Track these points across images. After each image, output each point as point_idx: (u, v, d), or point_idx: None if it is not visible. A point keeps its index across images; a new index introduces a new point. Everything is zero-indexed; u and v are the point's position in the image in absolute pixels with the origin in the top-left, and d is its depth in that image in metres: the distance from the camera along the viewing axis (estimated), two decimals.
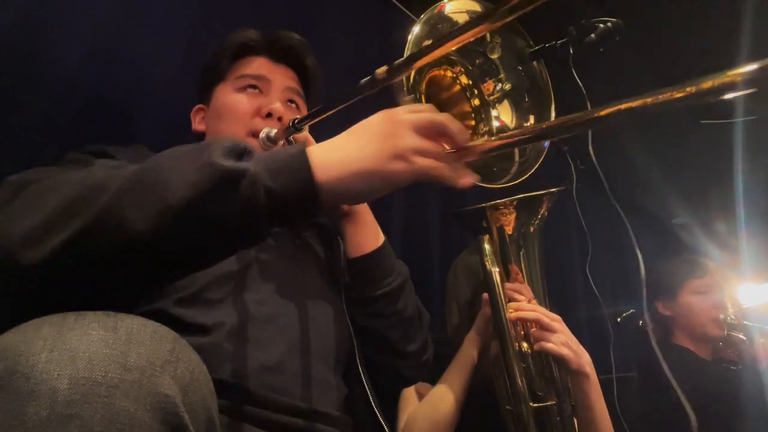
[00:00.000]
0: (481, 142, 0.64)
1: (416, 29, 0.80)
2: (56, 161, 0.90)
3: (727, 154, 2.31)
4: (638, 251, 1.05)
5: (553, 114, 0.94)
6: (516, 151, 0.91)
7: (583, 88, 1.00)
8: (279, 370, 0.76)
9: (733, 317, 1.78)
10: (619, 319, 1.95)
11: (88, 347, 0.43)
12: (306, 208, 0.56)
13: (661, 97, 0.45)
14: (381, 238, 0.94)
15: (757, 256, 2.58)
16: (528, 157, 0.90)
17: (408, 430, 1.11)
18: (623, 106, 0.49)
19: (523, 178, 0.88)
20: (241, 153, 0.56)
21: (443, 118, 0.59)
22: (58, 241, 0.52)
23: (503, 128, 0.96)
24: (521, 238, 1.12)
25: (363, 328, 0.92)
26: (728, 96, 0.43)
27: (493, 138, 0.71)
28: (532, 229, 1.12)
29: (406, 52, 0.76)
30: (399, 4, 1.99)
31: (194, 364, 0.49)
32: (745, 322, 1.78)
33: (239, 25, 1.05)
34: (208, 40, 1.28)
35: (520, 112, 0.95)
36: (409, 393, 1.19)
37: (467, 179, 0.60)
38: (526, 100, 0.94)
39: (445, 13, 0.86)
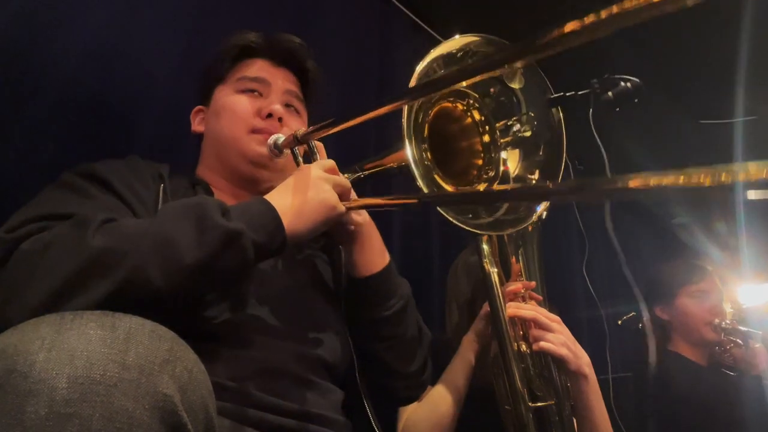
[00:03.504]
0: (355, 201, 0.82)
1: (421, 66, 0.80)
2: (57, 162, 0.91)
3: (727, 154, 2.31)
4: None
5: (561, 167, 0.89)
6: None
7: (600, 145, 0.98)
8: (278, 374, 0.77)
9: (728, 322, 1.79)
10: (619, 322, 1.96)
11: (86, 346, 0.43)
12: (278, 251, 0.72)
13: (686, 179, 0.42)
14: (386, 258, 0.92)
15: (757, 256, 2.57)
16: (517, 215, 0.88)
17: (407, 431, 1.11)
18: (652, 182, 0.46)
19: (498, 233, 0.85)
20: (225, 210, 0.67)
21: (345, 182, 0.81)
22: (84, 303, 0.55)
23: (507, 174, 0.93)
24: (520, 239, 1.12)
25: (361, 348, 0.92)
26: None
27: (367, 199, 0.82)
28: (530, 229, 1.12)
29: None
30: (399, 4, 1.99)
31: (192, 363, 0.49)
32: (741, 327, 1.78)
33: (239, 26, 1.05)
34: (207, 41, 1.27)
35: (528, 163, 0.91)
36: None
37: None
38: (540, 154, 0.91)
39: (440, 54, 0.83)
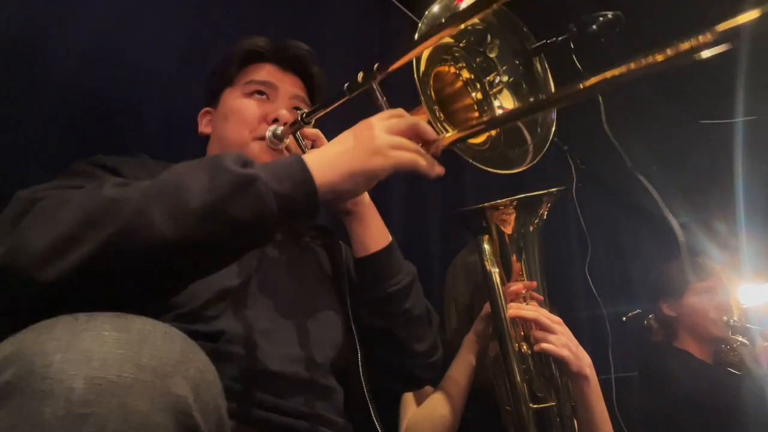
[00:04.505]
0: (448, 135, 0.73)
1: (435, 8, 0.80)
2: (57, 162, 0.90)
3: (727, 154, 2.31)
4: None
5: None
6: (527, 135, 0.91)
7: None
8: (280, 375, 0.77)
9: (736, 320, 1.78)
10: (624, 318, 1.95)
11: (101, 347, 0.43)
12: (308, 208, 0.63)
13: (644, 62, 0.48)
14: (388, 237, 0.95)
15: (757, 256, 2.58)
16: (537, 138, 0.91)
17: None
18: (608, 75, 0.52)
19: (537, 160, 0.89)
20: (246, 162, 0.62)
21: (412, 119, 0.71)
22: (86, 250, 0.54)
23: None
24: (521, 239, 1.12)
25: (371, 327, 0.93)
26: (706, 54, 0.47)
27: (455, 131, 0.74)
28: (531, 229, 1.12)
29: (419, 32, 0.77)
30: (399, 4, 1.99)
31: (204, 364, 0.50)
32: (748, 325, 1.78)
33: (239, 26, 1.05)
34: (208, 41, 1.28)
35: (520, 98, 0.96)
36: (409, 397, 1.18)
37: (438, 169, 0.73)
38: (524, 87, 0.95)
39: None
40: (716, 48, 0.45)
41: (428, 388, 1.16)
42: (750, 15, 0.42)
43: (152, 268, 0.57)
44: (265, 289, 0.84)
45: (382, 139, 0.68)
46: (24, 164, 0.99)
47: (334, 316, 0.91)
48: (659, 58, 0.47)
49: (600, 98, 0.93)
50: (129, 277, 0.57)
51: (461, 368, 1.13)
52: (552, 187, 1.08)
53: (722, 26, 0.44)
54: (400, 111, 0.73)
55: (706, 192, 2.87)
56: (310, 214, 0.65)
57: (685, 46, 0.46)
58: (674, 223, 0.97)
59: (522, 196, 1.06)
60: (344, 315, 0.93)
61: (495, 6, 0.66)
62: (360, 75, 0.76)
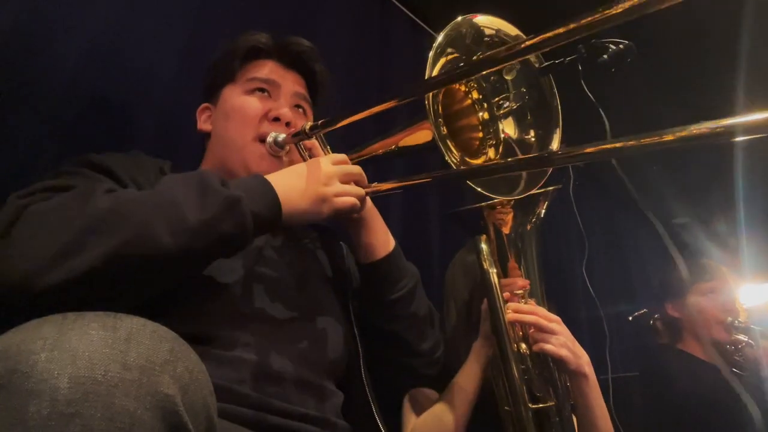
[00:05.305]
0: (385, 185, 0.87)
1: (440, 38, 0.89)
2: (56, 162, 0.91)
3: (727, 154, 2.31)
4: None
5: (558, 129, 0.97)
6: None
7: (594, 100, 1.02)
8: (279, 376, 0.77)
9: (740, 320, 1.77)
10: (630, 318, 1.95)
11: (88, 346, 0.43)
12: (272, 226, 0.75)
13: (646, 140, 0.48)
14: (392, 242, 0.95)
15: (757, 256, 2.57)
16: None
17: None
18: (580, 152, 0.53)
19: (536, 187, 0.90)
20: (224, 182, 0.71)
21: (356, 169, 0.85)
22: (89, 259, 0.57)
23: (508, 140, 0.99)
24: (518, 238, 1.12)
25: (378, 330, 0.94)
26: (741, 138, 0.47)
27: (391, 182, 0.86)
28: (529, 228, 1.12)
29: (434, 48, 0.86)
30: (399, 4, 1.99)
31: (193, 363, 0.50)
32: (752, 326, 1.77)
33: (239, 26, 1.05)
34: (208, 41, 1.28)
35: (522, 127, 0.99)
36: (412, 403, 1.17)
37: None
38: (529, 118, 0.98)
39: (474, 21, 0.90)
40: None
41: (433, 393, 1.15)
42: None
43: (150, 275, 0.63)
44: (265, 292, 0.84)
45: (331, 187, 0.80)
46: (24, 164, 0.99)
47: (335, 318, 0.91)
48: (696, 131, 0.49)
49: (579, 62, 0.94)
50: (128, 284, 0.61)
51: (468, 376, 1.09)
52: (549, 185, 1.07)
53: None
54: (344, 157, 0.86)
55: (706, 192, 2.87)
56: (272, 231, 0.78)
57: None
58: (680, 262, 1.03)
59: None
60: (346, 317, 0.93)
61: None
62: (308, 125, 0.87)
